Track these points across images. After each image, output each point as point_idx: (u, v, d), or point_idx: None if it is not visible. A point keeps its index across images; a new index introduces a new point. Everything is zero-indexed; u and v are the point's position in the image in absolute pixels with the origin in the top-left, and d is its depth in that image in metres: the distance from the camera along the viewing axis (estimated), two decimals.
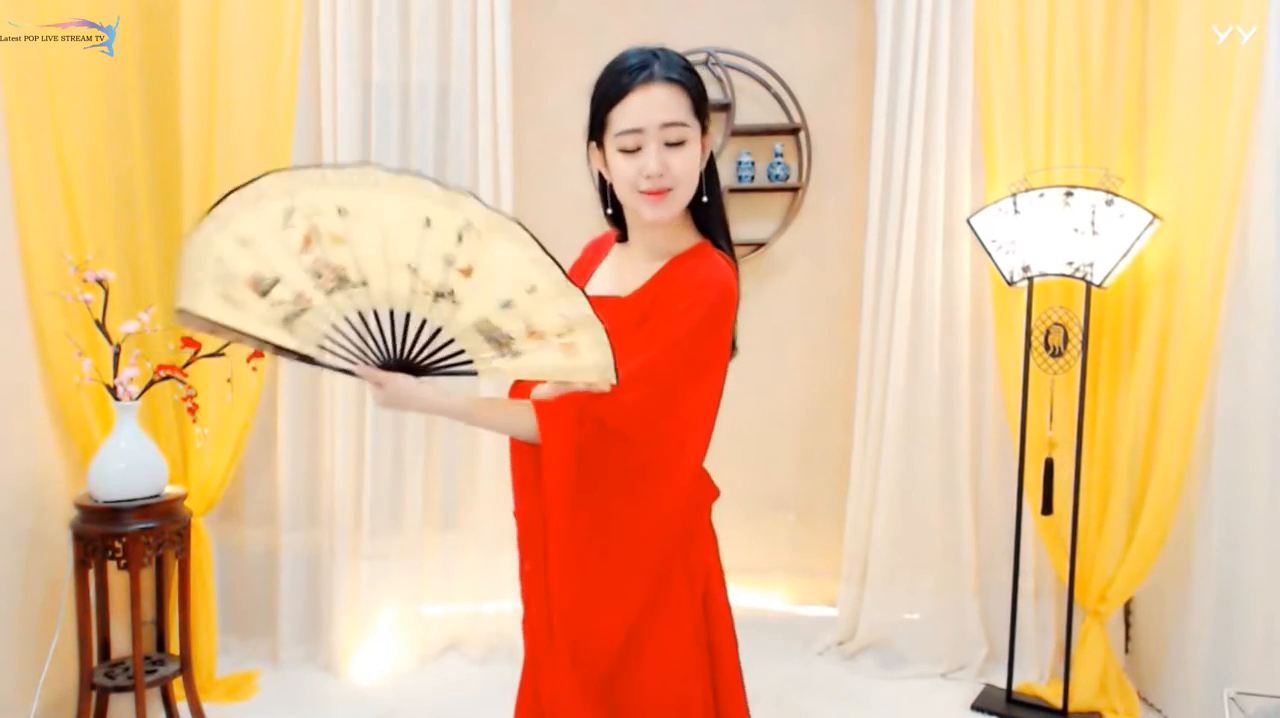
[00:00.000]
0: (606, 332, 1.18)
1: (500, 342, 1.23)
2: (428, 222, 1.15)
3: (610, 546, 1.31)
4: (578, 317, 1.19)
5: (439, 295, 1.21)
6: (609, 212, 1.40)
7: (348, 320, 1.25)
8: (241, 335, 1.26)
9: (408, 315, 1.23)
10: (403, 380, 1.27)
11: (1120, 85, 2.77)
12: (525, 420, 1.29)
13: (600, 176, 1.40)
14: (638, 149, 1.28)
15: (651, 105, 1.26)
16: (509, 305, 1.20)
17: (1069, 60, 2.74)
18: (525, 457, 1.35)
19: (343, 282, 1.21)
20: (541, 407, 1.28)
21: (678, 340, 1.28)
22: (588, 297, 1.16)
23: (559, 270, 1.16)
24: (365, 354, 1.28)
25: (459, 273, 1.18)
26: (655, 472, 1.31)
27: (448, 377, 1.30)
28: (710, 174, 1.38)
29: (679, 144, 1.28)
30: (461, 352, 1.26)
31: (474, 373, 1.28)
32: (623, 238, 1.45)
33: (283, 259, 1.20)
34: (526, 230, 1.14)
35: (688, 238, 1.40)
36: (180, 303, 1.22)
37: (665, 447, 1.30)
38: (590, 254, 1.51)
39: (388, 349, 1.28)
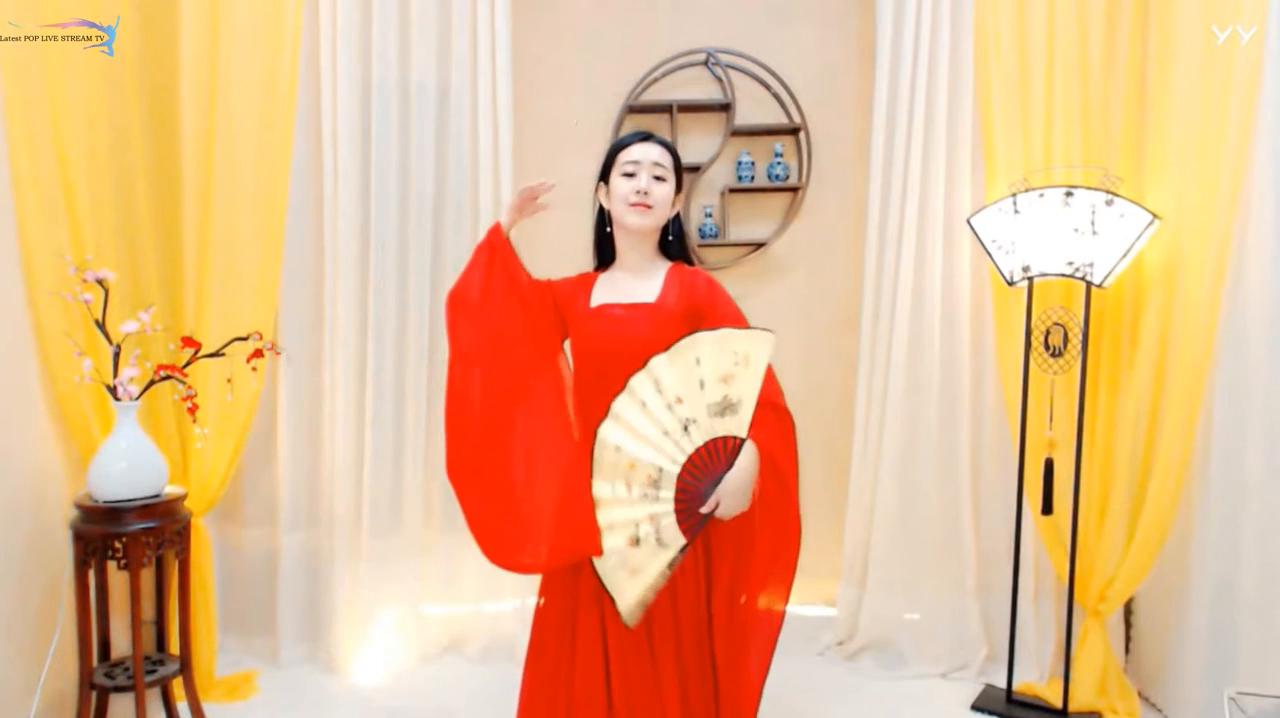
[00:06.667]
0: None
1: (727, 409, 1.69)
2: (697, 361, 1.67)
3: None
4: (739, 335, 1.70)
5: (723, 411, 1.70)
6: (608, 229, 1.97)
7: (689, 473, 1.70)
8: (657, 578, 1.69)
9: (711, 443, 1.70)
10: (726, 483, 1.71)
11: (1120, 85, 2.77)
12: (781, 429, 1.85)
13: (600, 212, 1.99)
14: (634, 174, 1.88)
15: (648, 151, 1.91)
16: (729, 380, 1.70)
17: (1069, 60, 2.74)
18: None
19: (684, 432, 1.68)
20: (776, 409, 1.83)
21: (739, 318, 1.85)
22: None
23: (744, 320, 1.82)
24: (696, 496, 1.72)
25: (726, 384, 1.68)
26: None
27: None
28: (676, 223, 1.98)
29: (661, 179, 1.90)
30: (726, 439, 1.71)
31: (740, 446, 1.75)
32: (602, 266, 2.02)
33: (654, 451, 1.70)
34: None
35: (662, 260, 1.98)
36: (627, 620, 1.70)
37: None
38: (579, 285, 1.99)
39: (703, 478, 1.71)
